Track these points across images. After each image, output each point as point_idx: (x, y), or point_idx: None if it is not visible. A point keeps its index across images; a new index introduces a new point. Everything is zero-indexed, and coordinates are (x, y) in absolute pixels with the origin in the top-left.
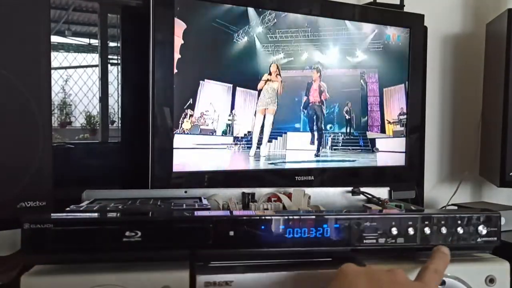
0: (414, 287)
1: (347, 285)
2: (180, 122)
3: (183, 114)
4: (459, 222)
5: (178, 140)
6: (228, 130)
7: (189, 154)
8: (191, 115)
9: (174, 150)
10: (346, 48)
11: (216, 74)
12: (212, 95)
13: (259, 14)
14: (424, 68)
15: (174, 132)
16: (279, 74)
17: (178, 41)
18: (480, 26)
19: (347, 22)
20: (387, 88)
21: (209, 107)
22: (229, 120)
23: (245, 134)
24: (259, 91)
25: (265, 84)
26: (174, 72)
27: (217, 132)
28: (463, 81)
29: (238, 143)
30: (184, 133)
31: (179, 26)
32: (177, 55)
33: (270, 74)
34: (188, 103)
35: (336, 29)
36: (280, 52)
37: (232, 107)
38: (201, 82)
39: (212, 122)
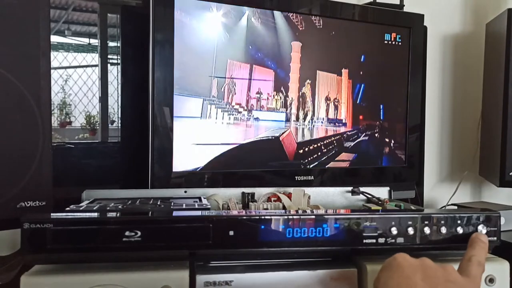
0: (465, 285)
1: (404, 280)
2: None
3: None
4: (458, 222)
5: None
6: None
7: None
8: None
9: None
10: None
11: None
12: None
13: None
14: (424, 68)
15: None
16: None
17: None
18: (480, 26)
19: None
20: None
21: None
22: None
23: None
24: None
25: None
26: None
27: None
28: (463, 81)
29: None
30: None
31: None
32: None
33: None
34: None
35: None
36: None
37: None
38: None
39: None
